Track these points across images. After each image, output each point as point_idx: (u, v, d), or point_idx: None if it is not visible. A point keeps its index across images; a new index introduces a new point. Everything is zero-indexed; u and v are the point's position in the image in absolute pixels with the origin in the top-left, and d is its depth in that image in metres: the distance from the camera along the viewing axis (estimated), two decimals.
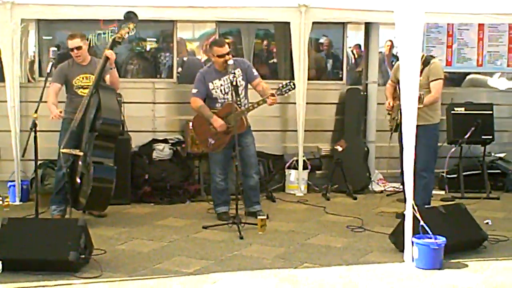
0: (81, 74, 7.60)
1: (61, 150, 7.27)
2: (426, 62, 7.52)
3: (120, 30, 7.44)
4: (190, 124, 8.45)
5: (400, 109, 7.14)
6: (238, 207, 7.30)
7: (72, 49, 7.60)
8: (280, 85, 7.63)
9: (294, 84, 7.65)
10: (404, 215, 7.51)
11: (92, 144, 7.30)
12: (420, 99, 6.75)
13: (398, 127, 7.52)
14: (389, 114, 7.92)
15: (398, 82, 7.49)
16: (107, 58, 7.36)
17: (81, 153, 7.31)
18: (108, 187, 7.33)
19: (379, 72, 10.36)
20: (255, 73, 7.86)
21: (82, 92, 7.54)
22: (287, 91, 7.63)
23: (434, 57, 7.93)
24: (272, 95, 7.52)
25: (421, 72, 7.33)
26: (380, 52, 10.49)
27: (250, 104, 7.71)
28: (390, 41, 10.74)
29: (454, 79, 10.93)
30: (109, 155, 7.42)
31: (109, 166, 7.38)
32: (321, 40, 10.67)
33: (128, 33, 7.52)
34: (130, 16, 7.48)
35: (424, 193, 7.53)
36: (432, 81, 7.52)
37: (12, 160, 8.78)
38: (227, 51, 7.63)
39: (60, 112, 7.37)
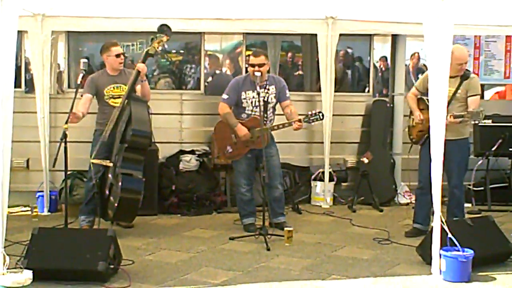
0: (112, 84, 7.67)
1: (91, 161, 7.34)
2: (465, 76, 7.42)
3: (153, 43, 7.49)
4: (213, 129, 8.48)
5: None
6: (265, 218, 7.33)
7: (118, 55, 7.67)
8: (309, 113, 7.68)
9: (322, 115, 7.69)
10: (412, 233, 7.57)
11: (122, 155, 7.35)
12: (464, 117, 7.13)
13: (425, 141, 7.49)
14: (412, 126, 7.86)
15: (426, 93, 7.49)
16: (138, 72, 7.42)
17: (111, 164, 7.37)
18: (136, 198, 7.38)
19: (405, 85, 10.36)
20: (288, 94, 7.90)
21: (113, 102, 7.60)
22: (315, 120, 7.68)
23: (470, 71, 7.83)
24: (299, 120, 7.56)
25: (459, 85, 7.36)
26: (406, 65, 10.49)
27: (276, 125, 7.75)
28: (416, 53, 10.74)
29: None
30: (138, 167, 7.44)
31: (138, 178, 7.42)
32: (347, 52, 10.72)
33: (162, 45, 7.59)
34: (163, 29, 7.53)
35: (458, 210, 7.52)
36: (470, 96, 7.41)
37: (41, 170, 8.88)
38: (260, 62, 7.64)
39: (75, 114, 7.25)
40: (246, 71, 8.61)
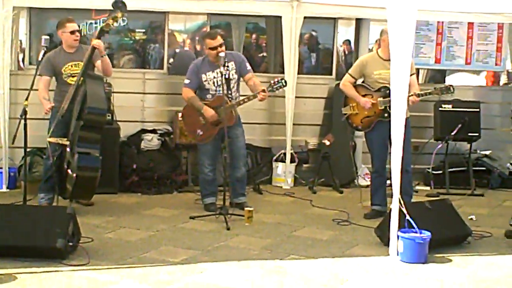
0: (69, 62, 7.56)
1: (48, 139, 7.24)
2: None
3: (108, 19, 7.40)
4: (180, 114, 8.47)
5: (387, 106, 7.26)
6: (225, 198, 7.34)
7: (73, 32, 7.58)
8: (272, 81, 7.69)
9: (285, 82, 7.73)
10: (371, 215, 7.64)
11: (78, 133, 7.27)
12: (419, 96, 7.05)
13: (377, 123, 7.56)
14: (355, 114, 7.77)
15: (362, 80, 7.57)
16: (94, 48, 7.34)
17: (68, 142, 7.29)
18: (93, 176, 7.27)
19: None
20: (248, 67, 7.89)
21: (71, 80, 7.49)
22: (278, 88, 7.69)
23: None
24: (263, 91, 7.57)
25: None
26: (370, 49, 10.54)
27: (240, 98, 7.76)
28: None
29: (442, 77, 11.03)
30: (95, 145, 7.35)
31: (95, 155, 7.33)
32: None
33: (117, 22, 7.47)
34: (118, 5, 7.39)
35: (410, 188, 7.62)
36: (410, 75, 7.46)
37: (0, 147, 8.77)
38: (220, 43, 7.64)
39: (52, 106, 7.36)
40: None
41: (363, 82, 7.78)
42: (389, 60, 6.59)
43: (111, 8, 7.48)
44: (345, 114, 7.88)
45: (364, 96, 7.66)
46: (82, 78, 7.33)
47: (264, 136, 10.13)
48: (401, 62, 6.02)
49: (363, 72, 7.68)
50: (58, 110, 7.41)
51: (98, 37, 7.38)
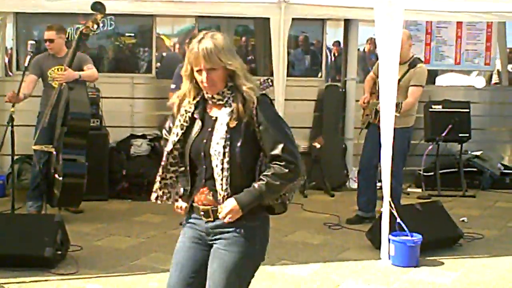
0: (56, 65, 7.51)
1: (32, 147, 7.17)
2: (412, 64, 7.31)
3: (87, 22, 7.25)
4: (165, 113, 8.37)
5: (376, 108, 7.19)
6: None
7: (45, 40, 7.56)
8: (258, 82, 7.66)
9: (272, 81, 7.71)
10: (353, 220, 7.58)
11: (63, 140, 7.19)
12: (398, 107, 6.53)
13: (369, 125, 7.53)
14: (363, 109, 7.86)
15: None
16: (73, 56, 7.19)
17: (53, 149, 7.20)
18: (80, 182, 7.14)
19: (361, 70, 10.40)
20: None
21: (56, 84, 7.41)
22: (265, 88, 7.66)
23: (422, 60, 7.77)
24: None
25: (405, 73, 7.27)
26: (359, 50, 10.53)
27: None
28: (373, 38, 10.78)
29: (431, 77, 11.01)
30: (80, 151, 7.23)
31: (80, 162, 7.22)
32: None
33: (97, 24, 7.33)
34: (97, 7, 7.22)
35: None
36: (412, 85, 7.27)
37: None
38: None
39: (13, 93, 7.10)
40: None
41: None
42: (402, 64, 6.64)
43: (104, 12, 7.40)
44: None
45: (373, 94, 7.62)
46: (64, 84, 7.24)
47: None
48: (388, 62, 6.00)
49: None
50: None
51: (77, 42, 7.23)
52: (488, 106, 10.94)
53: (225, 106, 3.34)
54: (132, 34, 10.25)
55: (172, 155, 3.43)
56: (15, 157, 7.31)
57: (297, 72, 10.56)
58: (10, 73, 9.39)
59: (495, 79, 11.69)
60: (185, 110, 3.49)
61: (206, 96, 3.41)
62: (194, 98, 3.47)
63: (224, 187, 3.27)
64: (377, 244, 6.32)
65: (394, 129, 6.23)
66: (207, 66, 3.29)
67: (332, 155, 9.76)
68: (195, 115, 3.43)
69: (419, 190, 9.54)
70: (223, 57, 3.29)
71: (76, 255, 6.03)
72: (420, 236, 6.05)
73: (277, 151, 3.28)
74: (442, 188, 9.37)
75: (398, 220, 6.02)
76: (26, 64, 7.10)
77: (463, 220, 7.66)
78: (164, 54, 10.20)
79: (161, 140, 3.54)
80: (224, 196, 3.28)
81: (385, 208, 6.07)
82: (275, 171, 3.27)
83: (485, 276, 5.87)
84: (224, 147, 3.25)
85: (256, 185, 3.28)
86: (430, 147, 9.45)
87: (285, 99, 9.47)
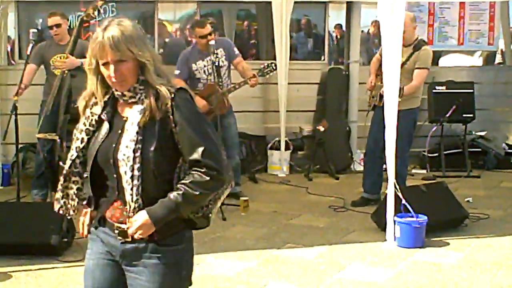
0: (58, 53, 7.48)
1: (36, 135, 7.18)
2: (417, 46, 7.25)
3: (88, 9, 7.22)
4: None
5: (380, 92, 7.18)
6: None
7: (51, 27, 7.52)
8: (262, 66, 7.68)
9: (275, 65, 7.73)
10: (359, 203, 7.57)
11: (66, 128, 7.18)
12: (400, 92, 6.51)
13: (375, 107, 7.51)
14: (370, 91, 7.81)
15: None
16: (75, 42, 7.19)
17: (56, 137, 7.20)
18: None
19: (364, 52, 10.37)
20: (236, 52, 7.86)
21: (58, 72, 7.40)
22: (269, 72, 7.67)
23: (426, 43, 7.73)
24: (254, 76, 7.55)
25: (410, 55, 7.24)
26: (362, 31, 10.49)
27: (232, 85, 7.72)
28: (377, 21, 10.74)
29: (435, 58, 10.97)
30: None
31: None
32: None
33: (97, 11, 7.29)
34: None
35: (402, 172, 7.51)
36: (417, 68, 7.23)
37: None
38: (209, 31, 7.59)
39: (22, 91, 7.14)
40: None
41: None
42: (406, 46, 6.60)
43: None
44: None
45: (377, 76, 7.53)
46: (66, 71, 7.23)
47: (258, 124, 10.06)
48: (391, 43, 5.99)
49: None
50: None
51: (78, 28, 7.22)
52: (492, 86, 10.89)
53: (137, 104, 2.85)
54: (135, 21, 10.21)
55: (75, 163, 2.94)
56: (20, 146, 7.30)
57: (300, 56, 10.52)
58: (13, 62, 9.35)
59: (498, 59, 11.64)
60: (91, 112, 2.94)
61: (116, 94, 2.89)
62: (102, 98, 2.92)
63: (135, 198, 2.79)
64: (382, 226, 6.32)
65: (399, 110, 6.23)
66: (115, 57, 2.76)
67: (336, 138, 9.74)
68: (103, 117, 2.91)
69: (424, 171, 9.54)
70: (133, 47, 2.78)
71: (82, 242, 6.02)
72: (426, 217, 6.05)
73: (197, 155, 2.82)
74: (446, 169, 9.35)
75: (403, 201, 6.02)
76: (28, 53, 7.09)
77: (468, 201, 7.64)
78: (167, 40, 10.17)
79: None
80: (135, 208, 2.80)
81: (390, 189, 6.07)
82: (194, 179, 2.80)
83: (490, 256, 5.88)
84: (135, 151, 2.78)
85: (171, 195, 2.79)
86: (434, 128, 9.44)
87: (288, 83, 9.50)
